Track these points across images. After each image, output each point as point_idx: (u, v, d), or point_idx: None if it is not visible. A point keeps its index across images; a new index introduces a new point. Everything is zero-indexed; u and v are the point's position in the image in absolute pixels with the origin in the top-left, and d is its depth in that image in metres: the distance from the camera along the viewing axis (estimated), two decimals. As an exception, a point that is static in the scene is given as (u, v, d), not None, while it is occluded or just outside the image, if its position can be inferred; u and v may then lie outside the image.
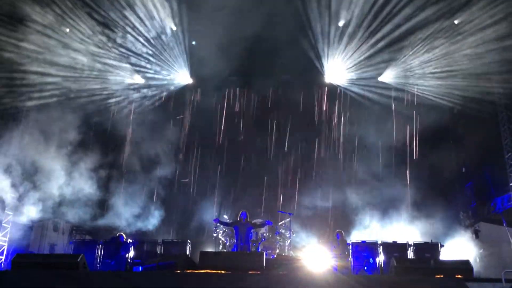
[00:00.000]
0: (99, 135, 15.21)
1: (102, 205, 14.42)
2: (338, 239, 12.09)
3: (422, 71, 14.18)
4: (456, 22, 12.92)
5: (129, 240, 12.31)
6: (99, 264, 12.02)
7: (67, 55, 13.67)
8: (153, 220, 14.63)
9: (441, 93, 14.13)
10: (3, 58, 12.59)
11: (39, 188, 13.18)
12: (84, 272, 8.51)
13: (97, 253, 12.11)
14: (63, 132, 13.81)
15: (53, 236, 13.84)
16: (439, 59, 13.58)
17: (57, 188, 13.34)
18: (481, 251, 13.72)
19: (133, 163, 15.33)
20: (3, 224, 13.21)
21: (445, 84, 13.91)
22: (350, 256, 11.60)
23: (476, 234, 14.47)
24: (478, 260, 13.21)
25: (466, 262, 8.82)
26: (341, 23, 13.72)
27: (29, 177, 13.08)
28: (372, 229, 14.05)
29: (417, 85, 14.56)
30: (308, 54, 14.38)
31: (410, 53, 13.90)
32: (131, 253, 12.03)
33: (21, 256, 9.13)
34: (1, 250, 13.17)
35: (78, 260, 8.42)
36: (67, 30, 13.44)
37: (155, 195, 15.24)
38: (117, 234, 12.44)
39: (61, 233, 14.04)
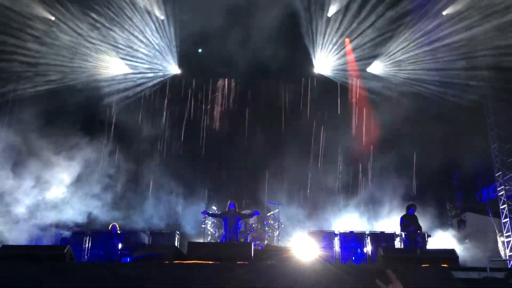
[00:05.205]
0: (86, 126, 15.01)
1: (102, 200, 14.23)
2: (411, 214, 10.95)
3: (408, 61, 14.22)
4: (444, 13, 12.99)
5: (119, 231, 12.27)
6: (87, 255, 11.94)
7: (51, 44, 13.45)
8: (146, 212, 14.54)
9: (428, 83, 14.18)
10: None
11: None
12: (70, 263, 8.44)
13: (85, 244, 12.03)
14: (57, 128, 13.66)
15: (40, 227, 13.66)
16: (426, 49, 13.62)
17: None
18: (467, 241, 13.91)
19: (123, 155, 15.18)
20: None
21: (431, 74, 13.98)
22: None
23: (462, 224, 14.67)
24: (463, 249, 13.40)
25: (452, 251, 8.95)
26: (330, 13, 13.71)
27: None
28: (359, 219, 14.15)
29: (403, 75, 14.61)
30: (297, 45, 14.35)
31: (398, 43, 13.92)
32: (119, 244, 12.00)
33: (6, 248, 9.03)
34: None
35: (65, 251, 8.33)
36: (52, 18, 13.22)
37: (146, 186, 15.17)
38: (110, 225, 12.38)
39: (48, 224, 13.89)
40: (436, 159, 14.80)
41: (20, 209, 12.74)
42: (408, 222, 10.77)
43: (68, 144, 13.85)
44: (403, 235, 11.10)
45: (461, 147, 13.76)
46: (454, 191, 15.37)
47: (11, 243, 11.58)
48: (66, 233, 12.37)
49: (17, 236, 12.40)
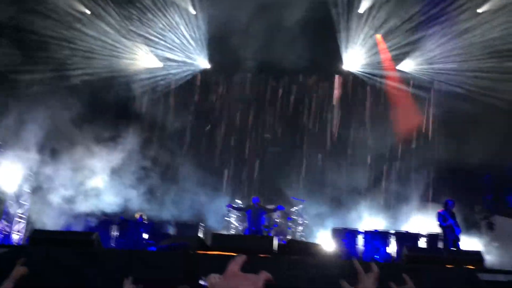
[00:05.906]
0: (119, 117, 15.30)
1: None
2: (449, 208, 10.49)
3: (441, 60, 13.94)
4: (479, 11, 12.69)
5: (145, 221, 12.51)
6: (113, 243, 12.24)
7: (86, 37, 13.81)
8: (171, 204, 14.75)
9: (462, 81, 13.86)
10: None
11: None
12: (98, 249, 8.70)
13: (111, 232, 12.33)
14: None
15: (71, 215, 14.07)
16: (459, 48, 13.32)
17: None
18: (496, 244, 13.57)
19: (152, 147, 15.41)
20: (22, 202, 13.52)
21: (466, 72, 13.66)
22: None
23: (491, 227, 14.31)
24: (490, 252, 13.08)
25: (478, 253, 8.79)
26: (361, 10, 13.58)
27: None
28: (383, 217, 13.98)
29: (437, 72, 14.34)
30: (327, 41, 14.27)
31: (430, 41, 13.65)
32: (145, 234, 12.24)
33: (38, 232, 9.37)
34: (21, 226, 13.52)
35: (93, 237, 8.60)
36: (88, 12, 13.58)
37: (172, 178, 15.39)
38: (137, 215, 12.61)
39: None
40: (467, 160, 14.44)
41: (54, 197, 13.15)
42: (448, 215, 10.40)
43: (101, 136, 14.17)
44: (442, 232, 10.65)
45: (493, 148, 13.41)
46: (484, 193, 14.97)
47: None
48: (95, 221, 12.70)
49: (51, 222, 12.80)
